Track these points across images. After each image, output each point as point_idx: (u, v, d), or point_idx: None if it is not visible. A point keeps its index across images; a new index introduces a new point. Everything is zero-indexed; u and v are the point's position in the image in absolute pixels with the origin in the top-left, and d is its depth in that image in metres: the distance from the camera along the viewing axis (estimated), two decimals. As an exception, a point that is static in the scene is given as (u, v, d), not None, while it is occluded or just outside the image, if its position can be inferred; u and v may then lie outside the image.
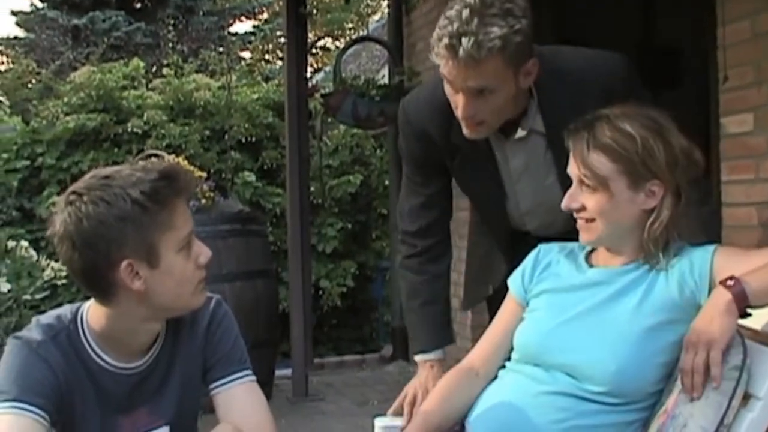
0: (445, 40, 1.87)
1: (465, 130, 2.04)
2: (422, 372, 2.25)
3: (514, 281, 1.98)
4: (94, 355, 1.69)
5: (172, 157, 5.12)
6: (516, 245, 2.26)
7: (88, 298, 1.73)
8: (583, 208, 1.80)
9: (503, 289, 2.03)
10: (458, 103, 1.98)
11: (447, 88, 2.00)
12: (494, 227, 2.41)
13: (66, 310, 1.74)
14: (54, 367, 1.64)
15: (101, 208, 1.57)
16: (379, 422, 2.08)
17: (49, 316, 1.72)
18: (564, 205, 1.83)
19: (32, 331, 1.67)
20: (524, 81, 1.98)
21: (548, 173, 2.15)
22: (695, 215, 1.83)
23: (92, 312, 1.70)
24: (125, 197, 1.58)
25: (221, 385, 1.79)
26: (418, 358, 2.30)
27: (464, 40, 1.84)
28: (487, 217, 2.44)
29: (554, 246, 1.98)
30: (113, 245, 1.58)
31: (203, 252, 1.70)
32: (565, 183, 2.01)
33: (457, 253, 2.45)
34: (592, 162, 1.76)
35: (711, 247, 1.75)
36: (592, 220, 1.80)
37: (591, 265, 1.88)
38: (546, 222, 2.25)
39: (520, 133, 2.12)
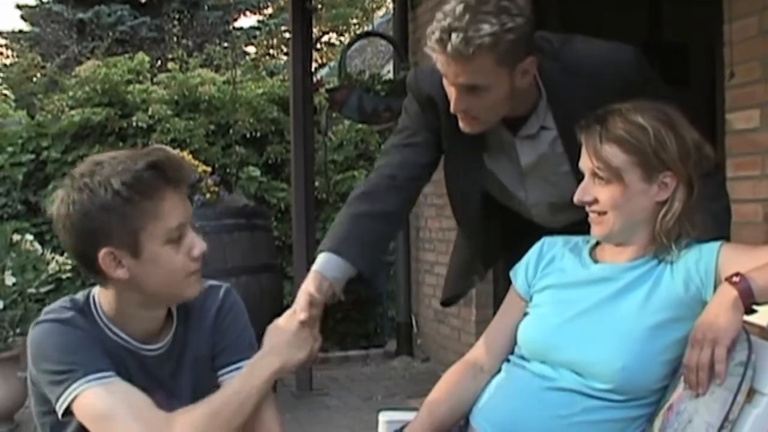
0: (436, 34, 1.87)
1: (460, 124, 2.04)
2: (308, 279, 1.96)
3: (517, 275, 1.97)
4: (111, 334, 1.71)
5: (176, 152, 5.13)
6: (519, 244, 2.24)
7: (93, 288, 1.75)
8: (595, 201, 1.80)
9: (508, 284, 2.03)
10: (451, 96, 1.97)
11: (444, 80, 1.99)
12: (466, 227, 2.39)
13: (78, 294, 1.76)
14: (90, 334, 1.65)
15: (85, 195, 1.59)
16: (384, 417, 2.09)
17: (62, 300, 1.73)
18: (576, 198, 1.83)
19: (53, 313, 1.68)
20: (521, 80, 1.96)
21: (560, 168, 2.14)
22: (707, 211, 1.83)
23: (100, 295, 1.72)
24: (107, 187, 1.58)
25: (228, 372, 1.79)
26: (321, 259, 2.01)
27: (453, 35, 1.84)
28: (458, 211, 2.40)
29: (558, 240, 1.97)
30: (97, 233, 1.60)
31: (197, 244, 1.68)
32: (579, 176, 2.00)
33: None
34: (605, 154, 1.76)
35: (717, 244, 1.75)
36: (604, 213, 1.80)
37: (596, 261, 1.88)
38: (554, 214, 2.26)
39: (529, 130, 2.11)
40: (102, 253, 1.60)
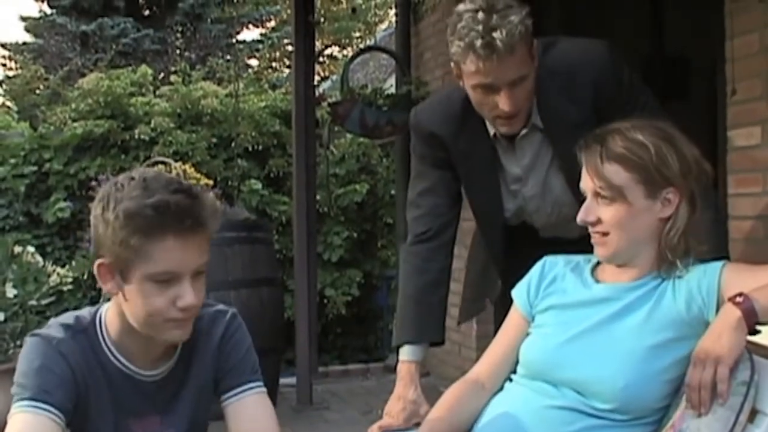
0: (479, 42, 1.95)
1: (503, 128, 2.14)
2: (401, 379, 2.18)
3: (519, 294, 1.97)
4: (112, 358, 1.71)
5: (179, 164, 5.13)
6: (512, 259, 2.29)
7: (93, 303, 1.75)
8: (599, 222, 1.79)
9: (509, 301, 2.03)
10: (498, 100, 2.04)
11: (477, 96, 2.07)
12: (491, 240, 2.44)
13: (85, 311, 1.76)
14: (72, 364, 1.65)
15: (100, 203, 1.61)
16: (385, 433, 2.08)
17: (68, 317, 1.74)
18: (579, 218, 1.83)
19: (51, 329, 1.69)
20: (535, 64, 2.07)
21: (550, 169, 2.23)
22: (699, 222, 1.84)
23: (109, 315, 1.72)
24: (116, 206, 1.59)
25: (232, 396, 1.79)
26: (404, 353, 2.22)
27: (496, 33, 1.93)
28: (484, 229, 2.46)
29: (560, 259, 1.97)
30: (97, 241, 1.62)
31: (185, 296, 1.62)
32: (569, 179, 2.08)
33: (458, 263, 2.44)
34: (607, 173, 1.76)
35: (719, 264, 1.75)
36: (607, 233, 1.79)
37: (597, 280, 1.87)
38: (554, 221, 2.31)
39: (523, 130, 2.18)
40: (98, 262, 1.63)
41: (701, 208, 1.83)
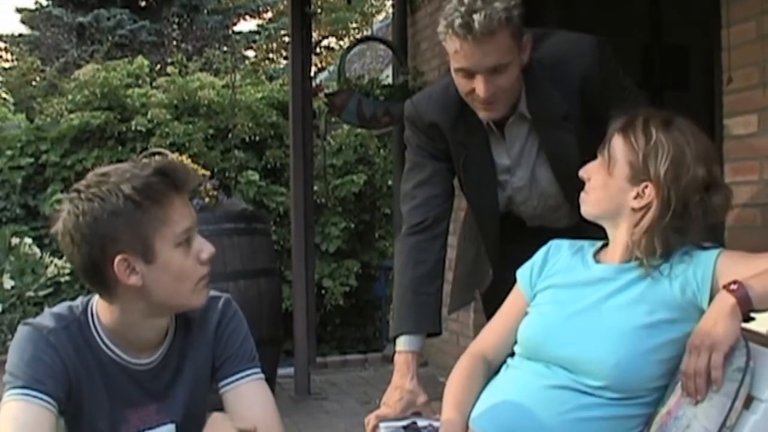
0: (458, 21, 1.99)
1: (482, 113, 2.15)
2: (399, 369, 2.19)
3: (522, 276, 2.01)
4: (104, 347, 1.70)
5: (176, 156, 5.13)
6: (506, 248, 2.30)
7: (91, 293, 1.74)
8: (588, 179, 1.88)
9: (499, 286, 2.05)
10: (476, 85, 2.07)
11: (459, 80, 2.10)
12: (487, 229, 2.45)
13: (78, 302, 1.75)
14: (62, 354, 1.65)
15: (95, 204, 1.60)
16: (384, 425, 2.08)
17: (61, 307, 1.74)
18: (580, 172, 1.91)
19: (44, 319, 1.70)
20: (523, 56, 2.10)
21: (537, 161, 2.26)
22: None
23: (100, 306, 1.72)
24: (117, 193, 1.59)
25: (230, 383, 1.80)
26: (401, 343, 2.23)
27: (476, 15, 1.97)
28: (481, 218, 2.47)
29: (564, 243, 2.01)
30: (107, 240, 1.60)
31: (205, 248, 1.69)
32: (555, 171, 2.10)
33: (451, 252, 2.44)
34: (612, 140, 1.84)
35: (715, 251, 1.76)
36: (588, 193, 1.88)
37: (598, 262, 1.90)
38: (539, 212, 2.35)
39: (510, 118, 2.21)
40: (117, 260, 1.60)
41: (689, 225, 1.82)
